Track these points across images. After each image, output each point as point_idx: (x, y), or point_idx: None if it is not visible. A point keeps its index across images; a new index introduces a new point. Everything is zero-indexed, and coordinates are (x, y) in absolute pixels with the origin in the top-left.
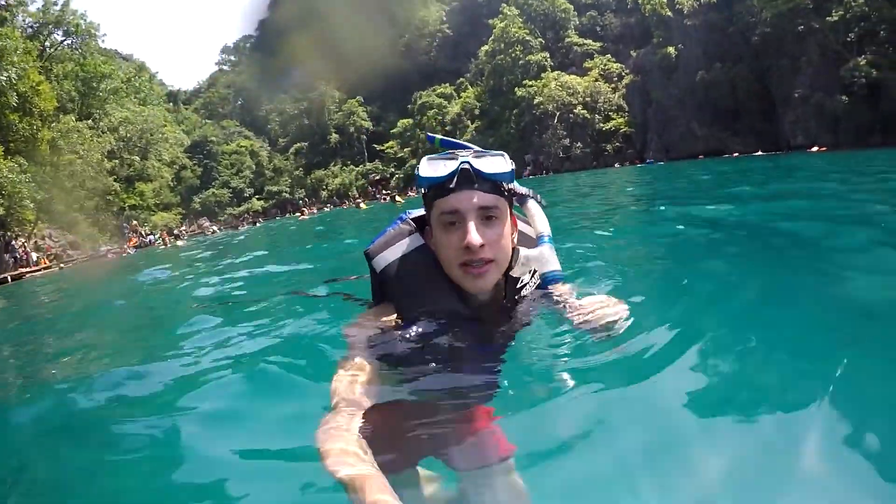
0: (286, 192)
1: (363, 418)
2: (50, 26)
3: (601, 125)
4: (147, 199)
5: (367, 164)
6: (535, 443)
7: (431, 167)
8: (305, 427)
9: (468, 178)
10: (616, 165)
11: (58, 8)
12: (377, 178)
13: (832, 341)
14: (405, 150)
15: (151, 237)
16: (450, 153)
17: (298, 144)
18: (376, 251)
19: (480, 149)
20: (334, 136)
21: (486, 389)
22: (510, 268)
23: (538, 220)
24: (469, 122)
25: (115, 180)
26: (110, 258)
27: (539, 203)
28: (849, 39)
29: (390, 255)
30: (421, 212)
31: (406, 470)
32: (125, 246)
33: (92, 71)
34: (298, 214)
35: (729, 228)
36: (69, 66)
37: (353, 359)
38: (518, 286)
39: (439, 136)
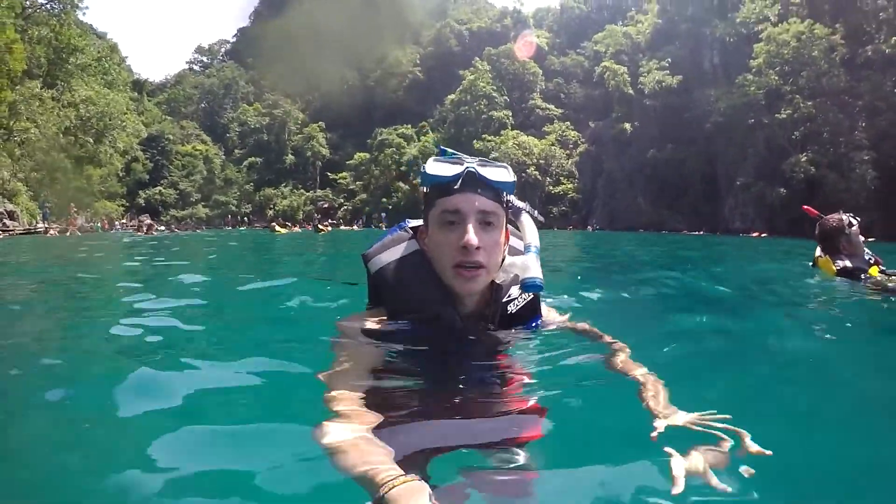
0: (233, 204)
1: (365, 416)
2: None
3: (551, 188)
4: (93, 184)
5: (318, 190)
6: None
7: (437, 167)
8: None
9: (472, 181)
10: (554, 228)
11: None
12: (325, 206)
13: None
14: (357, 183)
15: (93, 224)
16: (455, 157)
17: (253, 159)
18: (373, 254)
19: (484, 158)
20: (290, 157)
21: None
22: None
23: (528, 231)
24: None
25: (65, 157)
26: (51, 235)
27: (533, 217)
28: (794, 137)
29: (385, 258)
30: (418, 222)
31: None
32: (71, 227)
33: (66, 41)
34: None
35: None
36: (44, 31)
37: (344, 355)
38: (505, 299)
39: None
